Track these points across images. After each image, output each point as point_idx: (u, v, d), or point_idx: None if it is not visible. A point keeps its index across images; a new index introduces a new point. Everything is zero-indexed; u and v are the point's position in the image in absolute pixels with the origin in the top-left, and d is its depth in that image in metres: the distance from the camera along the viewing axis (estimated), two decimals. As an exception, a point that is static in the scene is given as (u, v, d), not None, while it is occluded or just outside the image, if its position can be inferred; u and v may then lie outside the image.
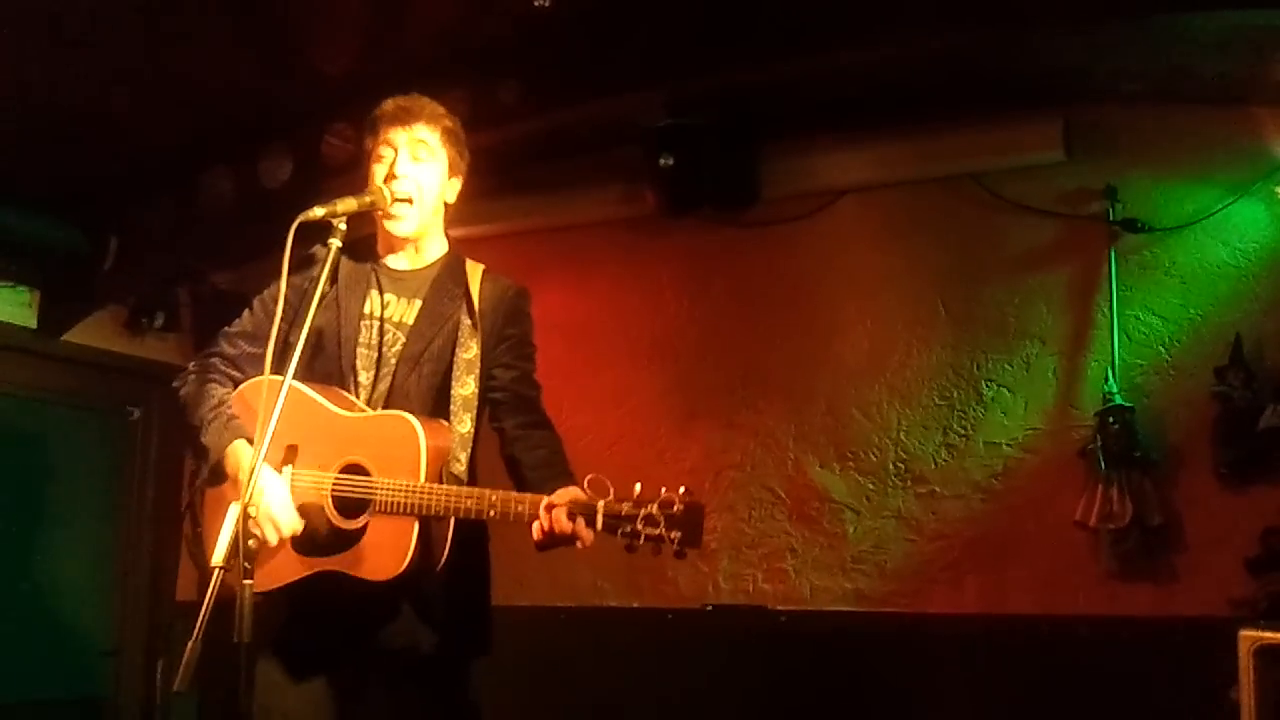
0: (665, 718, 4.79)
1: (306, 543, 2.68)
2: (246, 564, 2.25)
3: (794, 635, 4.70)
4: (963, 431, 4.62)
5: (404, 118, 2.85)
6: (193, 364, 2.89)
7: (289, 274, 2.55)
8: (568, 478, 2.63)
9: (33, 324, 5.59)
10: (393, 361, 2.81)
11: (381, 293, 2.88)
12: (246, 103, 4.63)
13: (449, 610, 2.74)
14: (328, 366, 2.82)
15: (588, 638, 5.04)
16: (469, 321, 2.83)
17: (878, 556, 4.68)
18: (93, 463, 6.02)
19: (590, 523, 2.45)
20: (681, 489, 2.41)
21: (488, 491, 2.57)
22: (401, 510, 2.59)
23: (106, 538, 6.01)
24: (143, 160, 5.02)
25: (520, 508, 2.53)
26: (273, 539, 2.61)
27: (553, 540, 2.49)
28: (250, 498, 2.31)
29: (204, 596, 2.21)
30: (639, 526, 2.40)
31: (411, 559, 2.57)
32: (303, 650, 2.74)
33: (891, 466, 4.72)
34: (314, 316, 2.64)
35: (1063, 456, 4.40)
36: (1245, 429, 4.06)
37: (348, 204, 2.69)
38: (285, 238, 2.51)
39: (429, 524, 2.61)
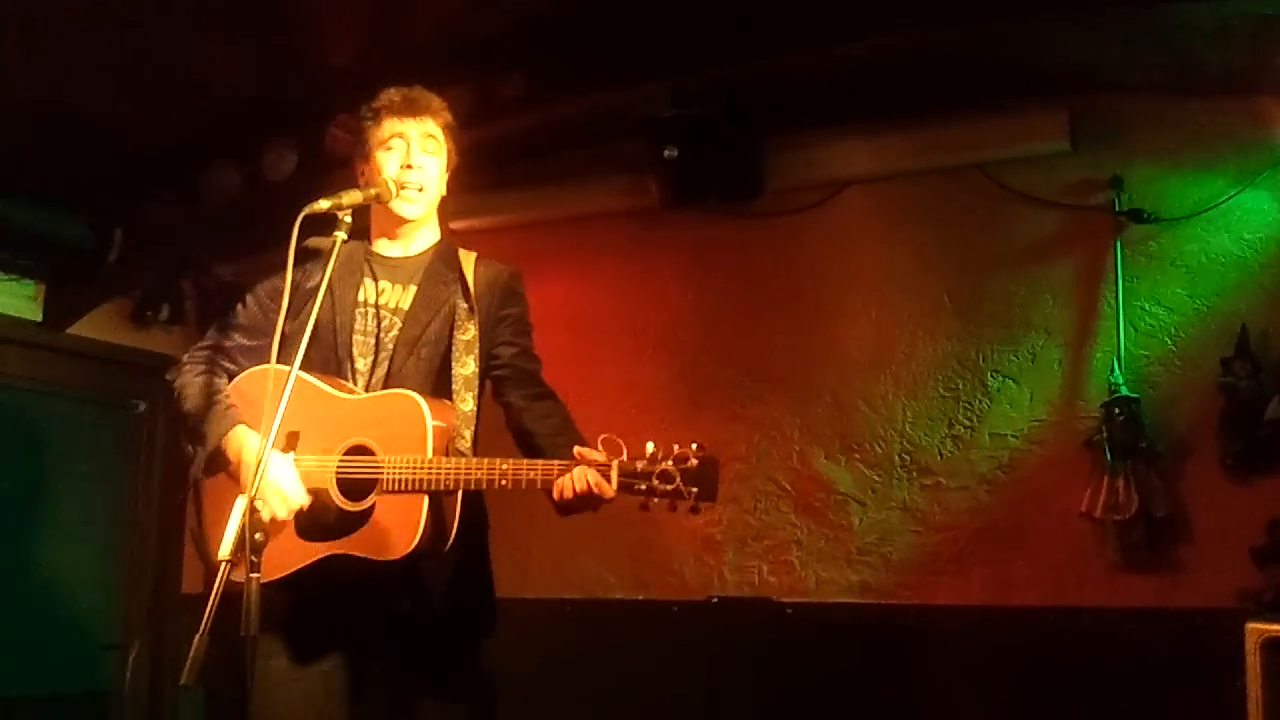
0: (671, 710, 4.78)
1: (312, 528, 2.67)
2: (253, 557, 2.25)
3: (799, 627, 4.70)
4: (968, 423, 4.61)
5: (414, 109, 2.91)
6: (186, 356, 2.90)
7: (288, 267, 2.55)
8: (580, 442, 2.64)
9: (38, 317, 5.60)
10: (390, 347, 2.83)
11: (375, 280, 2.90)
12: (251, 96, 4.63)
13: (453, 592, 2.76)
14: (324, 355, 2.82)
15: (592, 630, 5.04)
16: (465, 305, 2.86)
17: (883, 548, 4.68)
18: (98, 456, 6.02)
19: (605, 480, 2.47)
20: (695, 444, 2.43)
21: (498, 461, 2.57)
22: (410, 487, 2.59)
23: (112, 531, 6.02)
24: (148, 153, 5.01)
25: (532, 474, 2.54)
26: (281, 513, 2.58)
27: (575, 502, 2.51)
28: (256, 490, 2.31)
29: (210, 590, 2.21)
30: (654, 483, 2.42)
31: (421, 536, 2.57)
32: (306, 638, 2.75)
33: (897, 458, 4.72)
34: (306, 307, 2.69)
35: (1068, 448, 4.39)
36: (1251, 420, 4.05)
37: (353, 196, 2.71)
38: (290, 230, 2.52)
39: (438, 501, 2.61)
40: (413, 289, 2.89)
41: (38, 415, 5.74)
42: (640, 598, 5.04)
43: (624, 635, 5.00)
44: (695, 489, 2.41)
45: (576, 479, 2.49)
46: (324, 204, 2.65)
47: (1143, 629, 4.10)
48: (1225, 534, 4.06)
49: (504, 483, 2.55)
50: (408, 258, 2.95)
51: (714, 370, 5.10)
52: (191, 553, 6.11)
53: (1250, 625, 3.34)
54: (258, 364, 2.83)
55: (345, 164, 4.43)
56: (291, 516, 2.63)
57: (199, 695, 5.66)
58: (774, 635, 4.74)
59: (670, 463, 2.42)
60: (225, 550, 2.26)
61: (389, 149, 2.89)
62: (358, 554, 2.62)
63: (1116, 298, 4.38)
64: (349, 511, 2.65)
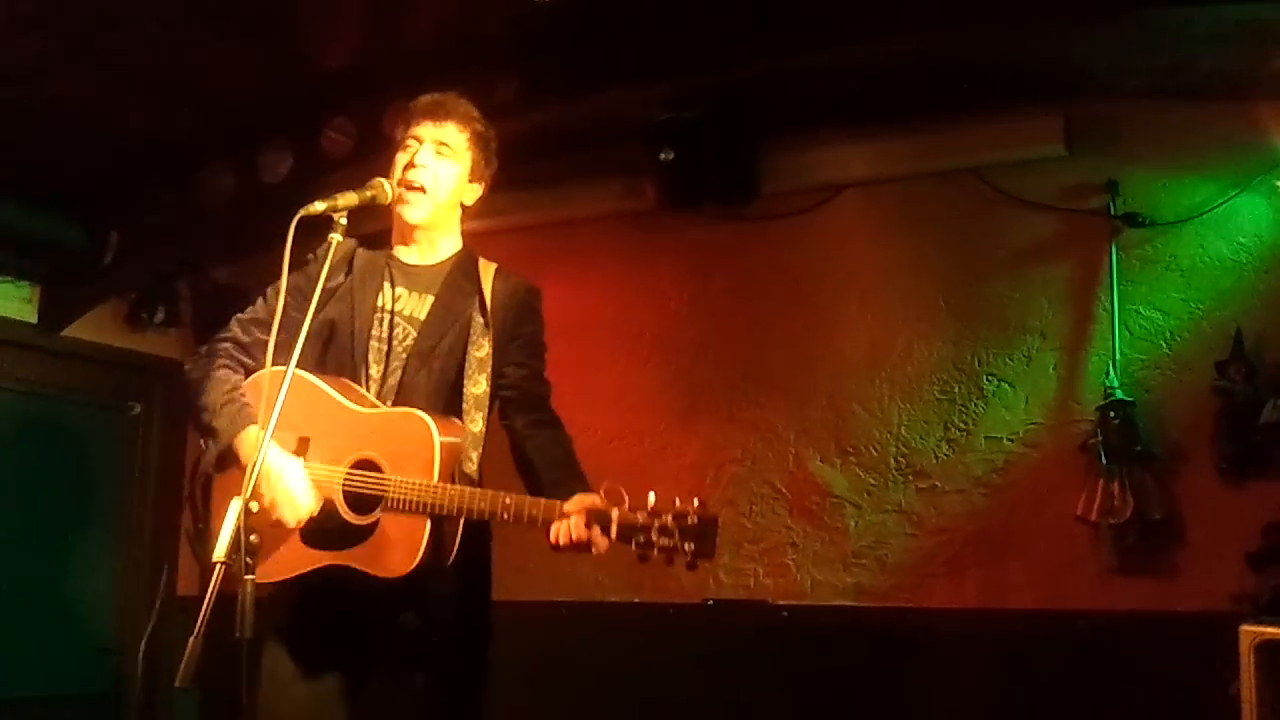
0: (666, 712, 4.78)
1: (315, 535, 2.68)
2: (248, 559, 2.24)
3: (795, 630, 4.70)
4: (964, 426, 4.62)
5: (437, 114, 2.90)
6: (204, 348, 2.90)
7: (290, 268, 2.55)
8: (581, 481, 2.66)
9: (33, 319, 5.60)
10: (403, 356, 2.82)
11: (394, 286, 2.89)
12: (246, 97, 4.63)
13: (453, 601, 2.75)
14: (340, 358, 2.83)
15: (589, 632, 5.04)
16: (481, 320, 2.85)
17: (878, 551, 4.68)
18: (93, 457, 6.02)
19: (605, 530, 2.48)
20: (696, 501, 2.43)
21: (501, 494, 2.58)
22: (415, 509, 2.60)
23: (107, 532, 6.02)
24: (143, 155, 5.02)
25: (534, 511, 2.55)
26: (290, 521, 2.62)
27: (569, 546, 2.53)
28: (251, 491, 2.31)
29: (205, 591, 2.21)
30: (653, 537, 2.42)
31: (423, 557, 2.59)
32: (307, 642, 2.75)
33: (892, 461, 4.72)
34: (327, 308, 2.77)
35: (1064, 451, 4.40)
36: (1246, 424, 4.06)
37: (349, 198, 2.70)
38: (286, 232, 2.51)
39: (440, 522, 2.62)
40: (429, 299, 2.87)
41: (33, 417, 5.74)
42: (636, 600, 5.04)
43: (620, 638, 5.00)
44: (693, 545, 2.40)
45: (574, 528, 2.50)
46: (319, 206, 2.64)
47: (1138, 632, 4.10)
48: (1220, 537, 4.06)
49: (505, 516, 2.56)
50: (427, 266, 2.93)
51: (710, 373, 5.11)
52: (187, 554, 6.11)
53: (1244, 628, 3.34)
54: (277, 359, 2.70)
55: (341, 165, 4.48)
56: (298, 525, 2.65)
57: (194, 697, 5.65)
58: (769, 638, 4.74)
59: (670, 517, 2.42)
60: (220, 552, 2.25)
61: (405, 149, 2.88)
62: (358, 567, 2.63)
63: (1112, 301, 4.39)
64: (353, 524, 2.66)
